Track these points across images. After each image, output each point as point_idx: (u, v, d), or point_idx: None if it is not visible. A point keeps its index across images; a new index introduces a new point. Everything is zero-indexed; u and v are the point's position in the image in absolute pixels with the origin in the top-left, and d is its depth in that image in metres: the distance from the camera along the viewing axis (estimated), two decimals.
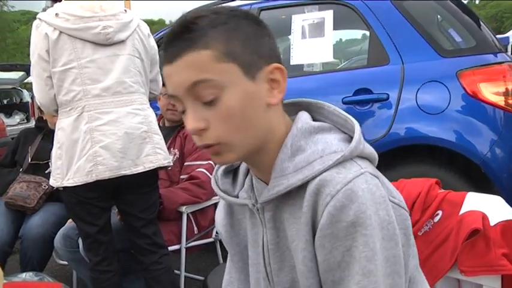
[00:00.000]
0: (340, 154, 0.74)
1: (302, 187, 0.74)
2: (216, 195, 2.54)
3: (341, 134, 0.80)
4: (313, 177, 0.73)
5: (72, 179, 1.78)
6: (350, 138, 0.78)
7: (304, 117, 0.80)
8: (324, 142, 0.76)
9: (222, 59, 0.72)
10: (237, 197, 0.87)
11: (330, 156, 0.74)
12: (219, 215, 0.95)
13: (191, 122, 0.73)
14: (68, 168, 1.80)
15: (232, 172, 0.92)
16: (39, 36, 1.80)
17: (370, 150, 0.79)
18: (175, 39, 0.73)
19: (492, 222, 1.06)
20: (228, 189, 0.89)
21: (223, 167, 0.91)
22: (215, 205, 2.54)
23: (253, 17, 0.78)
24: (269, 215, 0.81)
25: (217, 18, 0.73)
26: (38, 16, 1.85)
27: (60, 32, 1.79)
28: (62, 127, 1.83)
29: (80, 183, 1.77)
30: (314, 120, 0.82)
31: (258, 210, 0.82)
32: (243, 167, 0.90)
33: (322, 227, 0.71)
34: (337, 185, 0.70)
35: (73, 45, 1.80)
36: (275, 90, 0.77)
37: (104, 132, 1.80)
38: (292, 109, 0.84)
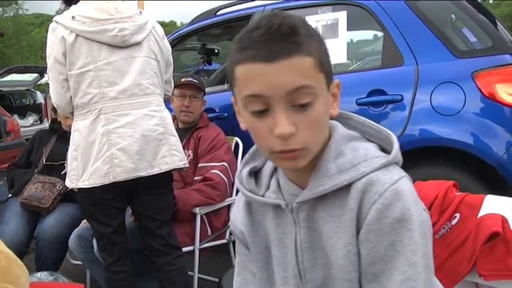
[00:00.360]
0: (384, 159, 0.81)
1: (343, 187, 0.80)
2: (230, 196, 2.54)
3: (371, 143, 0.86)
4: (359, 178, 0.78)
5: (87, 181, 1.79)
6: (379, 147, 0.85)
7: (340, 125, 0.86)
8: (364, 148, 0.83)
9: (317, 68, 0.75)
10: (262, 197, 0.90)
11: (374, 160, 0.80)
12: (238, 215, 0.96)
13: (286, 126, 0.74)
14: (84, 170, 1.81)
15: (253, 174, 0.94)
16: (55, 39, 1.82)
17: (401, 159, 0.85)
18: (280, 39, 0.72)
19: None
20: (254, 189, 0.91)
21: (247, 169, 0.93)
22: (228, 206, 2.55)
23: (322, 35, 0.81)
24: (303, 215, 0.84)
25: (308, 27, 0.77)
26: (54, 19, 1.86)
27: (77, 35, 1.80)
28: (78, 129, 1.84)
29: (96, 185, 1.78)
30: None
31: (292, 210, 0.85)
32: (267, 169, 0.93)
33: (369, 222, 0.77)
34: (385, 184, 0.77)
35: (89, 48, 1.81)
36: (334, 103, 0.83)
37: (121, 134, 1.81)
38: None
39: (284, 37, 0.73)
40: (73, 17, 1.82)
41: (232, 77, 0.79)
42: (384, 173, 0.79)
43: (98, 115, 1.81)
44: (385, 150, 0.85)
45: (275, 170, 0.92)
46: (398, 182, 0.77)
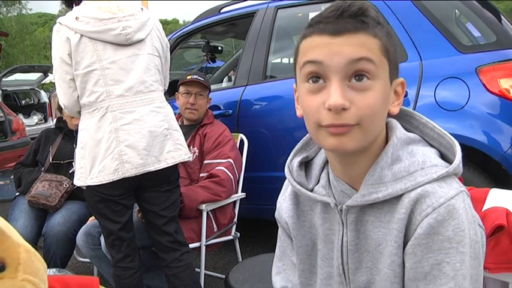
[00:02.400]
0: (443, 170, 0.76)
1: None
2: (236, 193, 2.55)
3: (430, 147, 0.83)
4: (414, 188, 0.75)
5: (96, 178, 1.81)
6: (439, 153, 0.82)
7: (399, 127, 0.82)
8: (422, 154, 0.79)
9: (383, 52, 0.75)
10: (311, 190, 0.89)
11: (432, 169, 0.76)
12: (285, 204, 0.95)
13: (339, 97, 0.72)
14: (92, 167, 1.83)
15: (304, 165, 0.93)
16: (60, 40, 1.84)
17: (461, 170, 0.80)
18: (350, 17, 0.73)
19: None
20: (303, 182, 0.90)
21: (299, 158, 0.92)
22: (234, 203, 2.57)
23: (395, 33, 0.80)
24: (352, 217, 0.83)
25: (380, 17, 0.77)
26: (58, 20, 1.88)
27: (81, 35, 1.82)
28: (86, 127, 1.87)
29: (105, 181, 1.80)
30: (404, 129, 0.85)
31: (341, 210, 0.84)
32: (319, 161, 0.91)
33: (419, 235, 0.73)
34: (440, 198, 0.73)
35: (94, 48, 1.83)
36: (396, 101, 0.81)
37: (128, 131, 1.83)
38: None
39: (353, 16, 0.74)
40: (77, 18, 1.84)
41: (296, 53, 0.79)
42: (441, 185, 0.75)
43: (104, 113, 1.83)
44: (445, 157, 0.82)
45: (327, 162, 0.89)
46: (455, 198, 0.73)
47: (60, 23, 1.86)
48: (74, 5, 1.97)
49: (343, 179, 0.84)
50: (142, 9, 1.99)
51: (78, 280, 0.64)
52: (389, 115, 0.83)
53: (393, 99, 0.81)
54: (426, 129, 0.85)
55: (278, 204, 0.98)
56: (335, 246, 0.87)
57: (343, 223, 0.84)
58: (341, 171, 0.84)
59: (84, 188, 1.89)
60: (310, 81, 0.76)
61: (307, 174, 0.91)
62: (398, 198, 0.77)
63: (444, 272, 0.72)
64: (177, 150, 1.94)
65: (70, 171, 2.57)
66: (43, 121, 10.27)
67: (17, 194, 2.76)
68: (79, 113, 1.93)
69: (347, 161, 0.82)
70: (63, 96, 1.89)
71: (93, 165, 1.83)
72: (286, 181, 0.94)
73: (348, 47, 0.72)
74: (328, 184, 0.87)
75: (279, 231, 1.01)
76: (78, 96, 1.87)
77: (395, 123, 0.83)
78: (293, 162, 0.93)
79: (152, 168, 1.86)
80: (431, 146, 0.83)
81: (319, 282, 0.91)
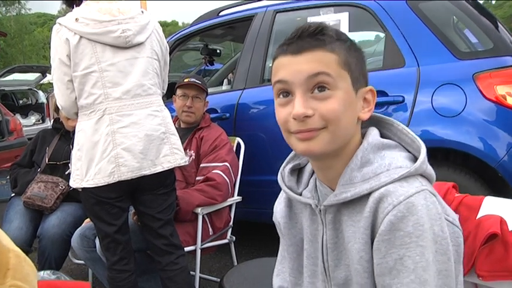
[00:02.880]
0: (405, 170, 0.82)
1: (365, 195, 0.83)
2: (232, 196, 2.56)
3: (405, 152, 0.89)
4: (378, 188, 0.81)
5: (92, 180, 1.81)
6: (413, 157, 0.88)
7: (374, 133, 0.90)
8: (390, 157, 0.86)
9: (341, 65, 0.83)
10: (300, 194, 0.97)
11: (396, 171, 0.83)
12: (279, 206, 1.04)
13: (301, 107, 0.82)
14: (88, 169, 1.83)
15: (296, 172, 1.02)
16: (59, 41, 1.84)
17: (431, 171, 0.87)
18: (308, 37, 0.84)
19: (511, 227, 1.05)
20: (293, 187, 0.99)
21: (290, 166, 1.01)
22: (230, 207, 2.56)
23: (359, 47, 0.90)
24: (330, 217, 0.90)
25: (341, 34, 0.87)
26: (57, 21, 1.88)
27: (81, 37, 1.82)
28: (82, 129, 1.86)
29: (101, 184, 1.80)
30: (382, 136, 0.92)
31: (320, 211, 0.92)
32: (309, 168, 0.99)
33: (382, 232, 0.79)
34: (400, 196, 0.79)
35: (93, 49, 1.83)
36: (365, 108, 0.89)
37: (125, 134, 1.83)
38: (364, 122, 0.92)
39: (311, 35, 0.84)
40: (76, 19, 1.83)
41: (271, 73, 0.90)
42: (402, 184, 0.81)
43: (102, 115, 1.83)
44: (417, 160, 0.87)
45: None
46: (414, 196, 0.78)
47: (59, 23, 1.86)
48: (74, 5, 1.97)
49: (325, 182, 0.92)
50: (142, 12, 1.99)
51: (69, 285, 0.63)
52: (363, 122, 0.91)
53: (363, 106, 0.88)
54: (402, 135, 0.91)
55: (274, 208, 1.06)
56: (318, 244, 0.94)
57: (322, 223, 0.92)
58: (321, 175, 0.93)
59: (80, 190, 1.88)
60: (281, 95, 0.87)
61: (298, 180, 1.00)
62: (366, 198, 0.83)
63: (406, 265, 0.77)
64: (173, 155, 1.94)
65: (66, 173, 2.57)
66: (41, 121, 10.25)
67: (13, 194, 2.75)
68: (76, 114, 1.92)
69: (323, 165, 0.91)
70: (61, 97, 1.89)
71: (89, 168, 1.82)
72: None
73: (307, 64, 0.83)
74: (314, 188, 0.95)
75: (280, 238, 1.07)
76: (75, 98, 1.87)
77: (371, 130, 0.91)
78: (285, 169, 1.01)
79: (148, 172, 1.86)
80: (408, 151, 0.90)
81: (305, 281, 0.97)
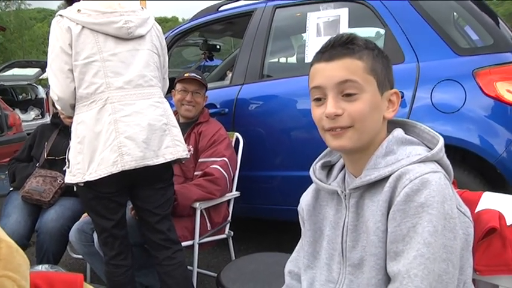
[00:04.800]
0: (424, 155, 0.95)
1: (386, 178, 0.94)
2: (230, 191, 2.56)
3: (426, 148, 1.00)
4: (399, 169, 0.93)
5: (95, 172, 1.78)
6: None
7: (399, 130, 1.03)
8: (412, 148, 0.98)
9: (367, 71, 0.97)
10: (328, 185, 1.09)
11: (415, 157, 0.94)
12: (305, 197, 1.16)
13: (332, 107, 0.96)
14: (90, 162, 1.80)
15: (327, 168, 1.15)
16: (60, 30, 1.83)
17: (448, 163, 0.99)
18: (339, 46, 0.97)
19: (509, 222, 1.05)
20: (322, 179, 1.11)
21: (321, 162, 1.14)
22: (228, 202, 2.56)
23: (385, 54, 1.02)
24: (353, 201, 1.01)
25: (369, 43, 1.00)
26: (58, 13, 1.88)
27: (83, 27, 1.82)
28: (83, 121, 1.84)
29: (104, 175, 1.77)
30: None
31: (345, 196, 1.03)
32: (339, 164, 1.12)
33: (397, 203, 0.89)
34: (417, 173, 0.90)
35: (95, 39, 1.83)
36: (390, 109, 1.02)
37: (128, 123, 1.81)
38: (391, 125, 1.05)
39: (342, 45, 0.97)
40: (79, 10, 1.84)
41: (309, 77, 1.04)
42: (420, 165, 0.92)
43: (103, 105, 1.81)
44: None
45: (345, 165, 1.09)
46: (429, 174, 0.89)
47: (60, 15, 1.86)
48: (74, 2, 1.96)
49: (353, 173, 1.04)
50: (142, 8, 2.01)
51: (62, 277, 0.63)
52: (388, 121, 1.03)
53: (388, 107, 1.01)
54: (424, 134, 1.03)
55: (301, 198, 1.18)
56: (339, 228, 1.04)
57: (346, 207, 1.03)
58: (350, 166, 1.05)
59: (82, 185, 1.84)
60: (317, 99, 1.01)
61: (328, 175, 1.13)
62: (386, 180, 0.94)
63: (417, 232, 0.86)
64: (175, 146, 1.93)
65: (64, 168, 2.56)
66: (40, 116, 10.22)
67: (11, 189, 2.75)
68: (72, 107, 1.90)
69: (353, 158, 1.03)
70: (59, 87, 1.86)
71: (92, 160, 1.79)
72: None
73: (337, 71, 0.96)
74: (342, 180, 1.07)
75: (302, 229, 1.18)
76: (74, 88, 1.85)
77: (397, 129, 1.03)
78: (317, 164, 1.14)
79: (151, 163, 1.84)
80: (428, 147, 1.00)
81: (322, 262, 1.07)
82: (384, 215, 0.92)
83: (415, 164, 0.92)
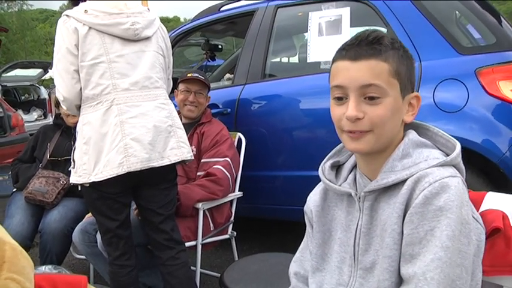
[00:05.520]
0: (442, 159, 0.94)
1: (403, 181, 0.93)
2: (233, 192, 2.56)
3: (440, 151, 0.99)
4: (417, 172, 0.92)
5: (101, 173, 1.78)
6: (446, 155, 0.98)
7: (413, 133, 1.01)
8: (428, 152, 0.97)
9: (392, 74, 0.94)
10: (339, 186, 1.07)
11: (434, 160, 0.94)
12: (313, 197, 1.14)
13: (354, 110, 0.94)
14: (96, 163, 1.80)
15: (335, 168, 1.13)
16: (67, 31, 1.83)
17: (464, 168, 0.98)
18: (365, 45, 0.94)
19: None
20: (332, 179, 1.09)
21: (330, 162, 1.12)
22: (231, 202, 2.56)
23: (409, 52, 0.99)
24: (368, 204, 0.99)
25: (395, 42, 0.97)
26: (64, 13, 1.88)
27: (90, 28, 1.82)
28: (89, 121, 1.84)
29: (110, 176, 1.77)
30: None
31: (359, 198, 1.01)
32: (348, 165, 1.10)
33: (416, 205, 0.88)
34: (436, 177, 0.89)
35: (102, 41, 1.83)
36: (410, 112, 1.00)
37: (134, 124, 1.82)
38: (404, 127, 1.03)
39: (369, 44, 0.94)
40: (86, 11, 1.84)
41: (330, 73, 1.01)
42: (439, 169, 0.91)
43: (110, 106, 1.82)
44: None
45: (355, 166, 1.08)
46: (449, 178, 0.89)
47: (67, 15, 1.86)
48: (80, 2, 1.96)
49: (366, 173, 1.03)
50: (148, 9, 2.01)
51: (66, 279, 0.63)
52: (405, 124, 1.01)
53: (407, 110, 0.99)
54: (437, 137, 1.02)
55: (308, 198, 1.16)
56: (352, 231, 1.02)
57: (360, 209, 1.01)
58: (364, 166, 1.03)
59: (87, 185, 1.85)
60: (337, 98, 0.98)
61: (337, 175, 1.11)
62: (404, 182, 0.93)
63: (435, 235, 0.85)
64: (179, 148, 1.93)
65: (69, 169, 2.57)
66: (42, 117, 10.25)
67: (14, 190, 2.75)
68: (78, 108, 1.91)
69: (368, 158, 1.02)
70: (64, 88, 1.86)
71: (98, 161, 1.80)
72: (320, 182, 1.13)
73: (361, 72, 0.93)
74: (353, 182, 1.06)
75: (307, 228, 1.17)
76: (80, 89, 1.85)
77: (411, 131, 1.02)
78: (326, 164, 1.12)
79: (156, 164, 1.85)
80: (442, 150, 1.00)
81: (332, 265, 1.06)
82: (400, 217, 0.91)
83: (434, 168, 0.92)
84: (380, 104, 0.93)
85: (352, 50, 0.95)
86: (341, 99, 0.97)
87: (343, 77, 0.95)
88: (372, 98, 0.93)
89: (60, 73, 1.85)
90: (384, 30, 2.66)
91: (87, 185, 1.84)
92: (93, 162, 1.80)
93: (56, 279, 0.61)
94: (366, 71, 0.93)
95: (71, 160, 1.92)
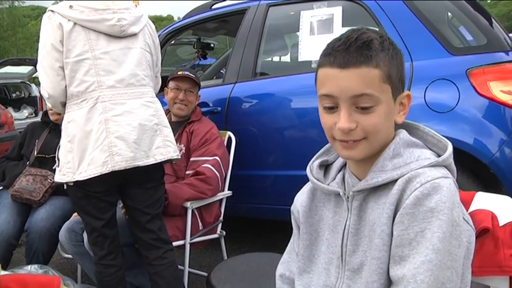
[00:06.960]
0: (434, 159, 0.92)
1: (393, 181, 0.91)
2: (222, 191, 2.54)
3: (431, 151, 0.97)
4: (408, 172, 0.90)
5: (85, 172, 1.76)
6: (438, 156, 0.95)
7: (404, 133, 0.99)
8: (419, 152, 0.95)
9: (384, 80, 0.90)
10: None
11: (425, 161, 0.92)
12: (301, 197, 1.11)
13: (346, 122, 0.90)
14: (80, 161, 1.77)
15: (324, 167, 1.10)
16: (51, 26, 1.79)
17: (455, 169, 0.96)
18: (355, 51, 0.88)
19: (501, 223, 1.03)
20: (320, 179, 1.07)
21: (318, 161, 1.10)
22: (220, 201, 2.54)
23: (398, 47, 0.94)
24: (357, 204, 0.97)
25: (384, 42, 0.91)
26: (49, 8, 1.84)
27: (75, 24, 1.79)
28: (73, 119, 1.81)
29: (94, 175, 1.75)
30: None
31: (348, 198, 0.99)
32: (337, 164, 1.08)
33: (406, 206, 0.86)
34: (428, 177, 0.87)
35: (87, 37, 1.80)
36: (401, 112, 0.97)
37: (119, 122, 1.79)
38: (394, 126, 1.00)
39: (358, 49, 0.88)
40: (71, 6, 1.80)
41: (316, 80, 0.97)
42: (431, 170, 0.89)
43: (94, 103, 1.79)
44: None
45: (344, 166, 1.06)
46: (441, 179, 0.86)
47: (52, 10, 1.82)
48: None
49: (355, 173, 1.00)
50: (136, 6, 1.98)
51: (38, 279, 0.61)
52: (396, 124, 0.98)
53: (399, 110, 0.96)
54: (428, 137, 1.00)
55: (295, 198, 1.13)
56: (339, 232, 1.00)
57: (348, 209, 0.99)
58: (354, 166, 1.01)
59: (71, 184, 1.81)
60: (327, 107, 0.93)
61: (325, 175, 1.09)
62: (393, 184, 0.91)
63: (425, 237, 0.84)
64: (165, 147, 1.91)
65: (54, 167, 2.54)
66: (33, 115, 10.14)
67: (1, 188, 2.71)
68: (63, 105, 1.88)
69: (360, 161, 0.98)
70: (49, 85, 1.83)
71: (82, 159, 1.77)
72: (308, 182, 1.10)
73: (352, 82, 0.88)
74: (342, 182, 1.03)
75: (294, 230, 1.14)
76: (65, 86, 1.82)
77: (401, 131, 0.99)
78: (314, 163, 1.10)
79: (141, 163, 1.82)
80: (432, 150, 0.97)
81: (320, 267, 1.04)
82: (390, 218, 0.89)
83: (425, 168, 0.90)
84: (373, 113, 0.90)
85: (340, 57, 0.89)
86: (332, 109, 0.93)
87: (332, 86, 0.90)
88: (364, 108, 0.89)
89: (45, 70, 1.82)
90: (376, 29, 2.65)
91: (72, 184, 1.81)
92: (77, 160, 1.77)
93: (28, 280, 0.58)
94: (356, 79, 0.88)
95: (56, 158, 1.89)
